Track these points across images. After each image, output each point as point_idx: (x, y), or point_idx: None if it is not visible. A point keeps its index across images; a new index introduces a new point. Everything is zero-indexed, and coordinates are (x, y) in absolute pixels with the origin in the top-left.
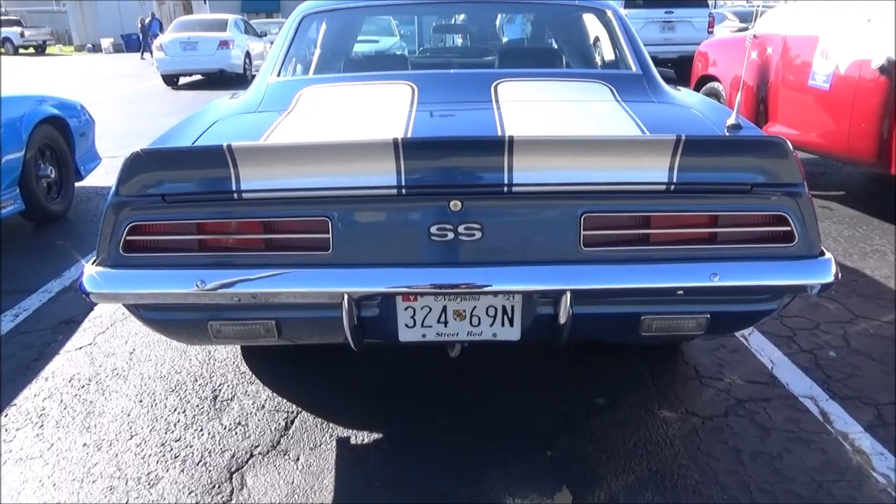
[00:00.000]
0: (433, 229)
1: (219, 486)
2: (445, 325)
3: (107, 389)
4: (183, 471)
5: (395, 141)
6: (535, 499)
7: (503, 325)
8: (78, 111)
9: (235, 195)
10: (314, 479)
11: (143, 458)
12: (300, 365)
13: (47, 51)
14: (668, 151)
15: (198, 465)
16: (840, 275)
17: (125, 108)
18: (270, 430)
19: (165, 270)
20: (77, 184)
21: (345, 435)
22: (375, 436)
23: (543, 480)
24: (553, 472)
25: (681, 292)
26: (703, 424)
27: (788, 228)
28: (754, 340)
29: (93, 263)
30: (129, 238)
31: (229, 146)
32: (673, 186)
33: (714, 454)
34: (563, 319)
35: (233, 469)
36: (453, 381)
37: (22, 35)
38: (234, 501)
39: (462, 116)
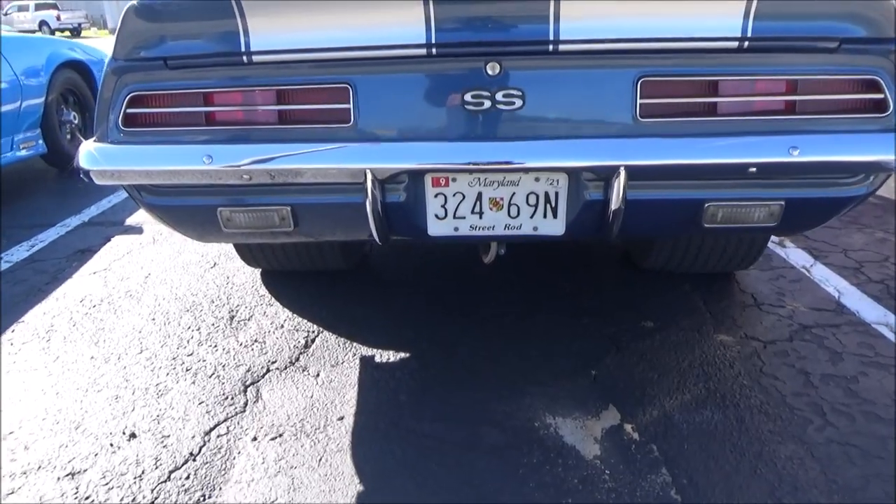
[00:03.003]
0: (468, 97)
1: (232, 398)
2: (480, 217)
3: (119, 309)
4: (194, 383)
5: None
6: (579, 417)
7: (545, 215)
8: (103, 59)
9: (244, 57)
10: (335, 393)
11: (152, 370)
12: (321, 286)
13: (82, 34)
14: None
15: (210, 377)
16: None
17: None
18: (289, 348)
19: (170, 146)
20: None
21: (369, 354)
22: (402, 355)
23: (588, 399)
24: (598, 392)
25: (753, 169)
26: (764, 349)
27: (881, 96)
28: (817, 271)
29: (92, 140)
30: (129, 111)
31: None
32: (747, 43)
33: (780, 377)
34: (615, 205)
35: (248, 382)
36: (485, 299)
37: (58, 18)
38: (247, 412)
39: None
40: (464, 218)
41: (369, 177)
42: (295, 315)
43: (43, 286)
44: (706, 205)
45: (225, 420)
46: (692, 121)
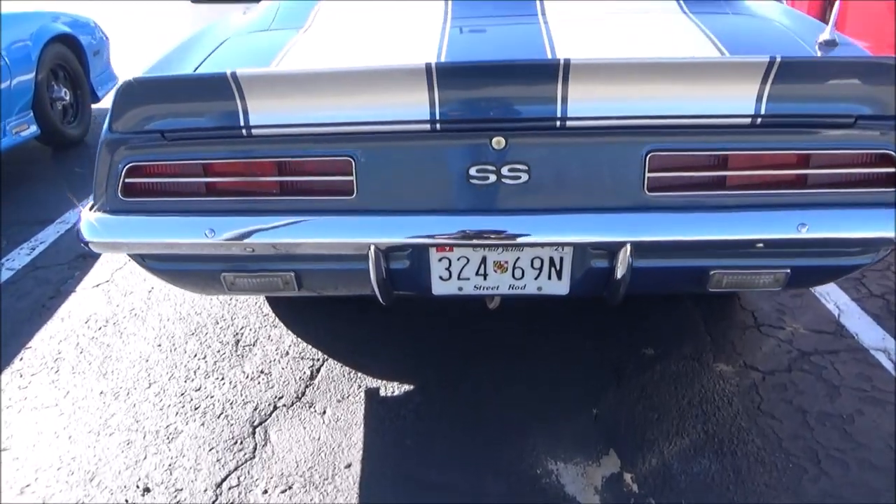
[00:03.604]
0: (472, 171)
1: (241, 442)
2: (485, 278)
3: (124, 332)
4: (203, 424)
5: (429, 66)
6: (581, 462)
7: (549, 277)
8: (91, 28)
9: (244, 131)
10: (342, 434)
11: (161, 409)
12: (326, 308)
13: None
14: (757, 77)
15: (219, 418)
16: None
17: (145, 24)
18: (295, 380)
19: (171, 217)
20: (94, 105)
21: (374, 386)
22: (407, 388)
23: (590, 441)
24: (600, 433)
25: (760, 245)
26: (763, 380)
27: (893, 170)
28: None
29: (91, 209)
30: (128, 181)
31: (234, 74)
32: (760, 120)
33: (777, 415)
34: (620, 273)
35: (255, 423)
36: (491, 327)
37: None
38: (257, 458)
39: (504, 36)
40: (468, 279)
41: (372, 249)
42: (299, 340)
43: (47, 301)
44: (712, 272)
45: (236, 469)
46: (701, 195)
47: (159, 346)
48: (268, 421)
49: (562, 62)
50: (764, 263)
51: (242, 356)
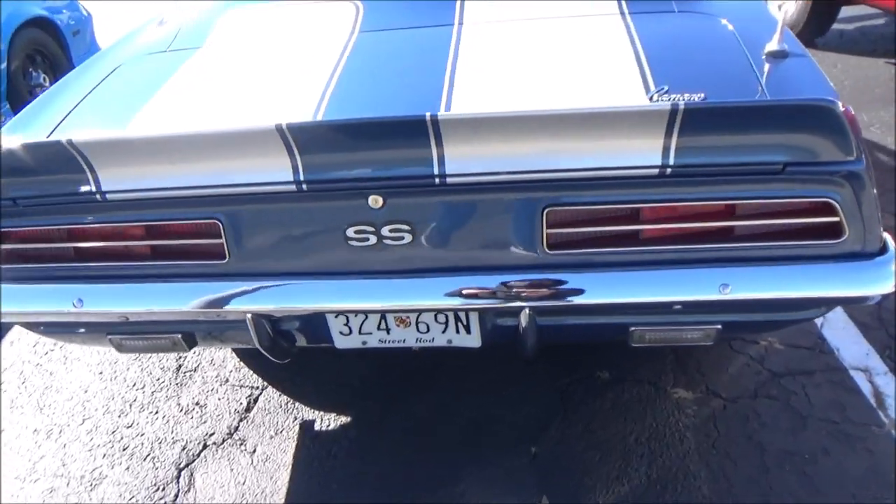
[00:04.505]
0: (350, 232)
1: (164, 488)
2: (388, 332)
3: (69, 357)
4: (129, 468)
5: (280, 129)
6: None
7: (458, 332)
8: (69, 5)
9: (98, 197)
10: (268, 478)
11: (91, 449)
12: None
13: None
14: (659, 129)
15: (145, 460)
16: None
17: None
18: (230, 413)
19: (42, 284)
20: None
21: (310, 418)
22: (343, 420)
23: (523, 486)
24: (536, 475)
25: (678, 307)
26: (724, 410)
27: (836, 219)
28: None
29: None
30: None
31: (71, 142)
32: (669, 170)
33: (732, 454)
34: (527, 333)
35: (182, 464)
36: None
37: None
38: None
39: (406, 57)
40: (370, 333)
41: (250, 317)
42: (242, 364)
43: None
44: (631, 329)
45: None
46: (610, 251)
47: (101, 373)
48: (195, 462)
49: (428, 119)
50: (690, 320)
51: (181, 385)
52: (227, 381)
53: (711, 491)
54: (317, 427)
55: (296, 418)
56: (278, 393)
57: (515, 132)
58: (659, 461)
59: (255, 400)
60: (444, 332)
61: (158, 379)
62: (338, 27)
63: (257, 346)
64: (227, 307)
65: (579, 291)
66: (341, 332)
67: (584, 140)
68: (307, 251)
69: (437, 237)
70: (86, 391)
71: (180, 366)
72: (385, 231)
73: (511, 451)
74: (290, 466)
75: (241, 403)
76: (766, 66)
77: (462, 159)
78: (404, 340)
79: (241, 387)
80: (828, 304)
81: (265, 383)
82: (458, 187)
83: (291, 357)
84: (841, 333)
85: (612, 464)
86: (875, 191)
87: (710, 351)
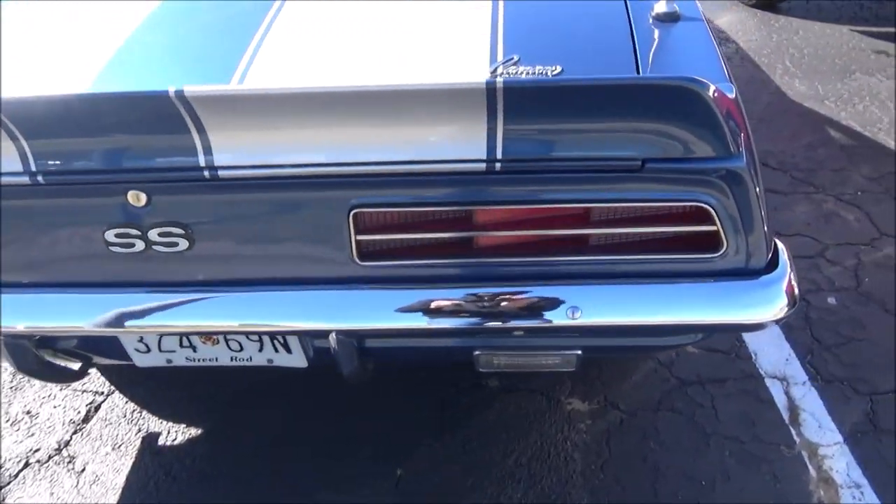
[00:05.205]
0: (110, 236)
1: None
2: (194, 350)
3: None
4: None
5: None
6: None
7: (277, 351)
8: None
9: None
10: None
11: None
12: None
13: None
14: (479, 113)
15: None
16: (798, 299)
17: None
18: (64, 423)
19: None
20: None
21: (156, 430)
22: (192, 433)
23: None
24: (399, 502)
25: (520, 333)
26: (621, 425)
27: (711, 228)
28: None
29: None
30: None
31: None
32: (499, 164)
33: (622, 479)
34: (344, 357)
35: None
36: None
37: None
38: None
39: (208, 29)
40: (174, 351)
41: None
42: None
43: None
44: (476, 352)
45: None
46: (434, 264)
47: None
48: (10, 485)
49: (173, 95)
50: (543, 344)
51: (17, 389)
52: (67, 384)
53: None
54: (161, 441)
55: (139, 430)
56: (125, 400)
57: (297, 114)
58: (537, 487)
59: (97, 408)
60: (260, 350)
61: None
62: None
63: (17, 370)
64: None
65: (391, 312)
66: (138, 350)
67: (388, 126)
68: (61, 260)
69: (219, 244)
70: None
71: None
72: (153, 235)
73: (374, 474)
74: (122, 490)
75: (78, 412)
76: (653, 32)
77: (232, 148)
78: (216, 359)
79: (83, 392)
80: (704, 330)
81: (112, 388)
82: (234, 183)
83: (82, 376)
84: (761, 335)
85: (485, 490)
86: (761, 193)
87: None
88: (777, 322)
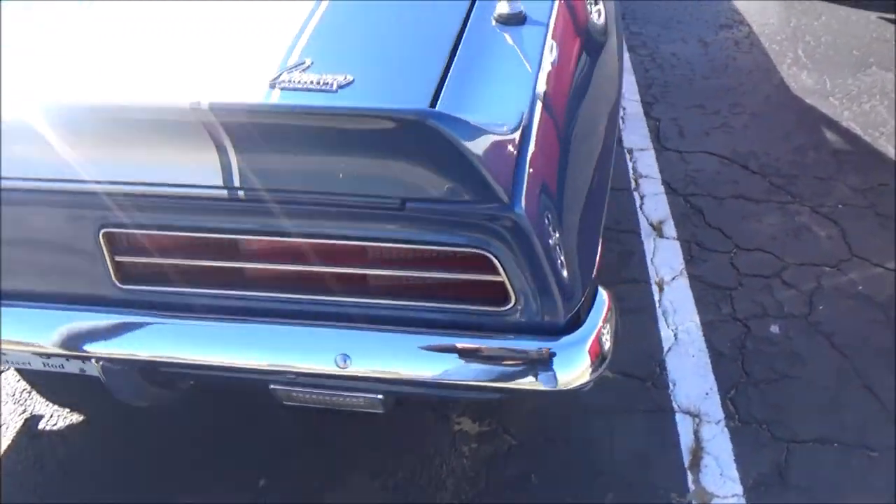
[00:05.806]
0: None
1: None
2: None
3: None
4: None
5: None
6: None
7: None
8: None
9: None
10: None
11: None
12: None
13: None
14: (201, 136)
15: None
16: (607, 360)
17: None
18: None
19: None
20: None
21: (41, 413)
22: (73, 420)
23: None
24: None
25: (292, 376)
26: (507, 453)
27: (496, 278)
28: (672, 293)
29: None
30: None
31: None
32: (243, 193)
33: None
34: (113, 380)
35: None
36: None
37: None
38: None
39: None
40: None
41: None
42: None
43: None
44: (272, 387)
45: None
46: (202, 293)
47: None
48: None
49: None
50: (339, 385)
51: None
52: None
53: None
54: (41, 425)
55: (24, 411)
56: (17, 378)
57: (43, 128)
58: None
59: None
60: (68, 360)
61: None
62: None
63: None
64: None
65: (148, 342)
66: None
67: (128, 145)
68: None
69: None
70: None
71: None
72: None
73: (239, 484)
74: None
75: None
76: (485, 38)
77: None
78: (30, 364)
79: None
80: (493, 392)
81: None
82: None
83: None
84: (688, 363)
85: None
86: (554, 244)
87: None
88: (580, 388)
